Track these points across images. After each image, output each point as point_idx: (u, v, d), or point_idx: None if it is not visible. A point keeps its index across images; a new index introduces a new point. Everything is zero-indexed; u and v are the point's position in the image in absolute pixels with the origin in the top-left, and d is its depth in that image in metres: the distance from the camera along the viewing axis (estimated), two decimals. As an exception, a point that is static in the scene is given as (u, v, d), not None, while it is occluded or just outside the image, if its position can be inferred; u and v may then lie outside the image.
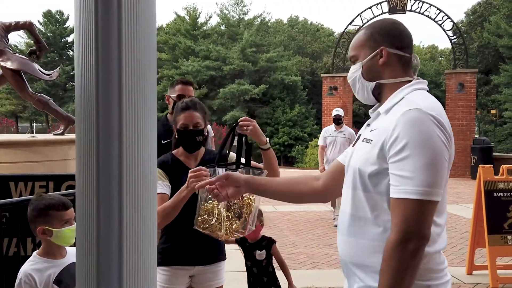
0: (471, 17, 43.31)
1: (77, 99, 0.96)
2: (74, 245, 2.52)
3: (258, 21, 46.46)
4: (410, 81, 1.73)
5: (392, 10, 15.27)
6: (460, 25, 37.41)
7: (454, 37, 16.26)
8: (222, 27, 47.01)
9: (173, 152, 2.77)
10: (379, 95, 1.76)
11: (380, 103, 1.77)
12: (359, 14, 15.75)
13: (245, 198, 2.15)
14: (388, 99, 1.71)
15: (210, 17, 52.05)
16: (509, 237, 4.96)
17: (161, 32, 47.59)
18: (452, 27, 16.35)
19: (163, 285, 2.64)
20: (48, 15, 50.42)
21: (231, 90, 39.02)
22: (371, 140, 1.65)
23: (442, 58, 59.65)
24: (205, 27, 47.44)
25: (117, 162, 0.89)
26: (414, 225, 1.48)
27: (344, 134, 7.87)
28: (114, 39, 0.89)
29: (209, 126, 6.59)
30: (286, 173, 16.76)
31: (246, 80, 40.88)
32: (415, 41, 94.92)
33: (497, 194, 4.95)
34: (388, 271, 1.49)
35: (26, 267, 2.26)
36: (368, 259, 1.63)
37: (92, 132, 0.90)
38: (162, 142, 3.46)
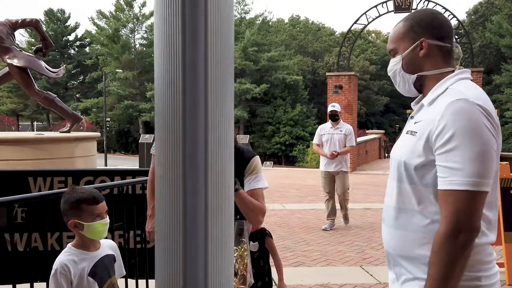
0: (472, 17, 43.33)
1: (159, 103, 0.95)
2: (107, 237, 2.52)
3: (259, 20, 46.45)
4: (453, 71, 1.69)
5: (398, 8, 15.27)
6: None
7: (459, 36, 16.24)
8: (222, 26, 47.02)
9: None
10: (421, 87, 1.73)
11: (423, 95, 1.74)
12: (365, 13, 15.75)
13: (236, 252, 2.09)
14: (431, 91, 1.67)
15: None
16: (524, 234, 4.96)
17: (162, 31, 47.57)
18: (458, 26, 16.36)
19: None
20: (49, 13, 50.38)
21: (233, 89, 38.98)
22: (416, 132, 1.61)
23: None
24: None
25: (203, 156, 0.89)
26: (464, 217, 1.45)
27: (341, 131, 7.35)
28: (201, 42, 0.89)
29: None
30: (288, 173, 16.78)
31: (248, 79, 40.90)
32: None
33: (513, 191, 4.95)
34: (438, 263, 1.48)
35: (62, 258, 2.24)
36: (416, 251, 1.61)
37: (179, 135, 0.88)
38: None
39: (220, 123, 0.92)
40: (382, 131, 24.33)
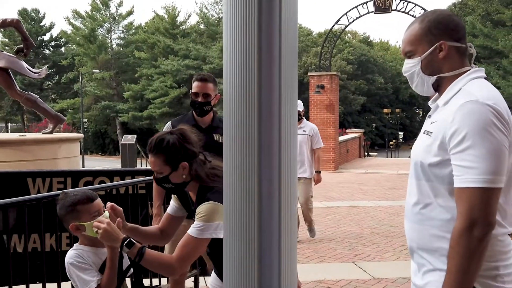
0: (447, 17, 44.20)
1: (228, 99, 0.98)
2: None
3: (237, 20, 46.38)
4: (467, 70, 1.77)
5: (378, 9, 15.49)
6: (437, 25, 38.02)
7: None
8: (202, 26, 46.85)
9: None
10: (438, 87, 1.80)
11: (439, 94, 1.82)
12: (345, 14, 15.94)
13: None
14: (446, 91, 1.75)
15: (190, 16, 52.03)
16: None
17: (139, 31, 47.18)
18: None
19: None
20: (23, 13, 49.51)
21: (212, 89, 38.88)
22: (432, 133, 1.70)
23: (418, 58, 60.57)
24: (184, 26, 47.19)
25: (277, 158, 0.93)
26: (479, 212, 1.53)
27: (304, 131, 6.56)
28: (276, 41, 0.93)
29: None
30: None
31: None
32: (392, 42, 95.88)
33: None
34: (456, 257, 1.55)
35: (71, 252, 2.25)
36: (435, 244, 1.69)
37: (254, 135, 0.92)
38: None
39: (290, 127, 0.97)
40: (362, 130, 24.62)
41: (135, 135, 16.24)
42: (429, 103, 1.88)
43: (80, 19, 46.57)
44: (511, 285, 1.64)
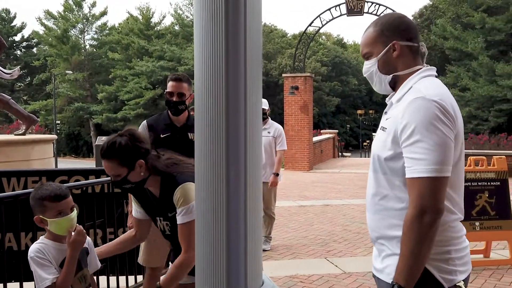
0: (418, 20, 44.80)
1: (199, 102, 1.08)
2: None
3: (212, 21, 46.31)
4: (420, 69, 1.89)
5: (350, 12, 15.75)
6: (409, 27, 38.58)
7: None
8: (176, 27, 46.68)
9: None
10: (395, 84, 1.92)
11: (394, 92, 1.94)
12: (319, 16, 16.14)
13: None
14: (399, 89, 1.88)
15: (164, 17, 51.76)
16: (476, 223, 5.31)
17: (113, 32, 46.77)
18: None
19: None
20: (-7, 13, 48.59)
21: (187, 91, 38.78)
22: (386, 128, 1.83)
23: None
24: (159, 27, 46.96)
25: (243, 156, 1.03)
26: (428, 200, 1.64)
27: (268, 132, 6.09)
28: (241, 42, 1.04)
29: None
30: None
31: (201, 81, 40.80)
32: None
33: (466, 184, 5.27)
34: (408, 242, 1.67)
35: (35, 246, 2.27)
36: (393, 232, 1.80)
37: (222, 133, 1.02)
38: (161, 136, 3.55)
39: (255, 120, 1.07)
40: (336, 131, 24.92)
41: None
42: (386, 100, 2.01)
43: (53, 20, 45.96)
44: (463, 267, 1.78)
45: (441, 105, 1.70)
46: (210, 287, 1.04)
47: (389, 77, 1.90)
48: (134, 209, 2.65)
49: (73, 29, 46.31)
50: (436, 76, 1.92)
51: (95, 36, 47.84)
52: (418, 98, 1.71)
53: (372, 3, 15.77)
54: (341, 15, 16.06)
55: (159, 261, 3.57)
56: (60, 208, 2.24)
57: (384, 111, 1.98)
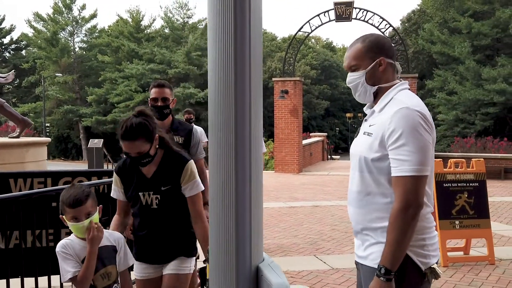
0: (406, 24, 45.30)
1: (213, 103, 1.34)
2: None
3: (202, 24, 46.57)
4: (397, 83, 2.19)
5: (339, 18, 16.07)
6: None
7: (395, 43, 17.25)
8: (166, 30, 46.74)
9: None
10: (376, 95, 2.21)
11: (374, 102, 2.22)
12: (308, 21, 16.44)
13: None
14: (380, 100, 2.16)
15: (154, 20, 51.60)
16: (456, 222, 5.61)
17: (103, 34, 46.76)
18: (394, 35, 17.39)
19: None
20: (-18, 15, 48.36)
21: (176, 94, 38.90)
22: (372, 134, 2.10)
23: (379, 63, 62.00)
24: (148, 30, 46.98)
25: (248, 156, 1.30)
26: (412, 195, 1.92)
27: None
28: (247, 46, 1.30)
29: (200, 130, 6.42)
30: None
31: (192, 84, 40.86)
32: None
33: (446, 184, 5.61)
34: (393, 232, 1.95)
35: (62, 241, 2.46)
36: (378, 224, 2.07)
37: (232, 130, 1.29)
38: None
39: (258, 119, 1.34)
40: (325, 134, 25.23)
41: (102, 139, 16.33)
42: (364, 109, 2.29)
43: (42, 22, 45.82)
44: (434, 253, 2.07)
45: (422, 114, 1.99)
46: (222, 261, 1.30)
47: (375, 88, 2.17)
48: (115, 191, 2.85)
49: (63, 32, 46.21)
50: (408, 88, 2.22)
51: (85, 38, 47.77)
52: (403, 108, 1.99)
53: (360, 9, 16.11)
54: (329, 21, 16.37)
55: None
56: (74, 214, 2.40)
57: (365, 118, 2.27)
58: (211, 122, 1.36)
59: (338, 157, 29.48)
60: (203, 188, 2.81)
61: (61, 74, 42.56)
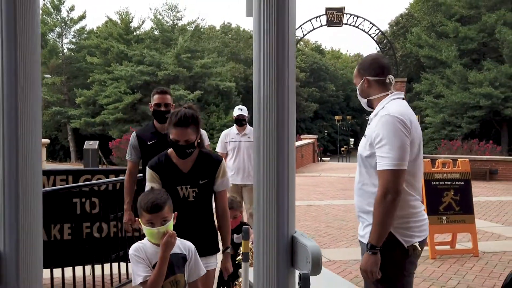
0: (394, 28, 45.96)
1: (259, 106, 1.71)
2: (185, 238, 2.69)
3: (192, 27, 46.76)
4: (388, 94, 2.65)
5: (330, 23, 16.52)
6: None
7: (383, 46, 17.72)
8: (156, 32, 46.83)
9: (168, 152, 3.07)
10: (372, 104, 2.71)
11: (373, 109, 2.70)
12: (300, 26, 16.89)
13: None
14: (376, 108, 2.65)
15: (144, 21, 51.86)
16: (443, 217, 6.02)
17: (92, 36, 46.74)
18: (383, 40, 17.88)
19: None
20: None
21: (167, 96, 38.90)
22: (366, 135, 2.59)
23: (367, 66, 62.61)
24: (138, 32, 47.01)
25: (287, 147, 1.67)
26: (391, 185, 2.36)
27: (248, 137, 6.26)
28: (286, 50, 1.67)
29: (204, 133, 6.64)
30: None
31: (181, 86, 41.00)
32: (343, 51, 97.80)
33: (434, 183, 6.03)
34: (377, 215, 2.40)
35: (135, 245, 2.49)
36: (370, 208, 2.50)
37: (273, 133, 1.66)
38: (148, 143, 4.02)
39: (293, 120, 1.71)
40: (316, 136, 25.65)
41: (97, 141, 16.58)
42: (370, 116, 2.73)
43: (31, 23, 45.68)
44: (419, 233, 2.53)
45: (400, 120, 2.46)
46: (266, 232, 1.67)
47: (365, 100, 2.73)
48: (152, 187, 2.91)
49: (51, 33, 46.13)
50: (403, 98, 2.66)
51: (74, 40, 47.69)
52: (386, 115, 2.49)
53: (351, 15, 16.61)
54: (321, 25, 16.82)
55: None
56: (151, 219, 2.42)
57: (368, 123, 2.69)
58: (256, 122, 1.73)
59: (327, 159, 29.91)
60: (230, 184, 3.16)
61: (50, 76, 42.46)
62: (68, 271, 4.29)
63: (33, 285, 1.57)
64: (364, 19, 16.45)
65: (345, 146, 45.53)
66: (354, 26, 16.53)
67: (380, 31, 16.85)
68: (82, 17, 46.91)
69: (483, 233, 7.38)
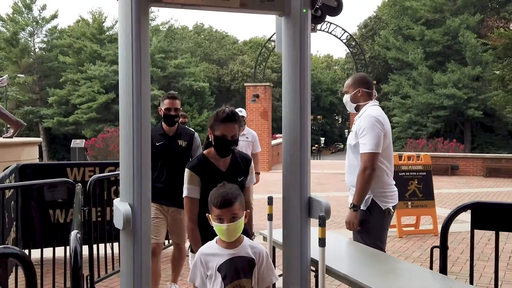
0: (363, 30, 47.06)
1: (288, 109, 2.61)
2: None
3: (165, 27, 46.97)
4: (370, 101, 3.63)
5: (304, 28, 17.42)
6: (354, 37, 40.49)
7: (352, 47, 18.75)
8: (130, 33, 46.80)
9: (204, 153, 3.05)
10: (358, 108, 3.66)
11: (357, 112, 3.65)
12: (273, 35, 17.77)
13: None
14: (360, 111, 3.62)
15: (117, 21, 51.36)
16: (409, 203, 7.05)
17: (64, 35, 46.40)
18: (355, 45, 18.96)
19: None
20: None
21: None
22: (352, 130, 3.58)
23: (337, 67, 63.94)
24: (111, 32, 46.87)
25: (306, 136, 2.59)
26: (368, 163, 3.37)
27: (247, 138, 6.71)
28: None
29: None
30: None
31: (155, 86, 41.10)
32: (313, 52, 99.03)
33: (401, 173, 7.08)
34: (358, 183, 3.40)
35: (203, 249, 2.42)
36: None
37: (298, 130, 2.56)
38: (157, 144, 4.24)
39: (308, 119, 2.61)
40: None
41: (84, 139, 17.12)
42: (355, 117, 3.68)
43: (1, 22, 45.13)
44: (391, 200, 3.54)
45: (378, 119, 3.45)
46: (292, 194, 2.57)
47: (354, 105, 3.68)
48: (192, 190, 2.89)
49: (23, 32, 45.66)
50: (378, 105, 3.62)
51: (45, 39, 47.25)
52: (367, 115, 3.48)
53: (324, 22, 17.58)
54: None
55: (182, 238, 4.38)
56: (219, 214, 2.30)
57: (353, 123, 3.66)
58: (285, 121, 2.62)
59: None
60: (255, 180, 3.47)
61: (23, 75, 42.10)
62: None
63: (148, 229, 2.45)
64: (337, 25, 17.50)
65: (315, 145, 46.56)
66: (327, 32, 17.55)
67: (350, 35, 17.90)
68: (54, 16, 46.51)
69: (443, 217, 8.41)
